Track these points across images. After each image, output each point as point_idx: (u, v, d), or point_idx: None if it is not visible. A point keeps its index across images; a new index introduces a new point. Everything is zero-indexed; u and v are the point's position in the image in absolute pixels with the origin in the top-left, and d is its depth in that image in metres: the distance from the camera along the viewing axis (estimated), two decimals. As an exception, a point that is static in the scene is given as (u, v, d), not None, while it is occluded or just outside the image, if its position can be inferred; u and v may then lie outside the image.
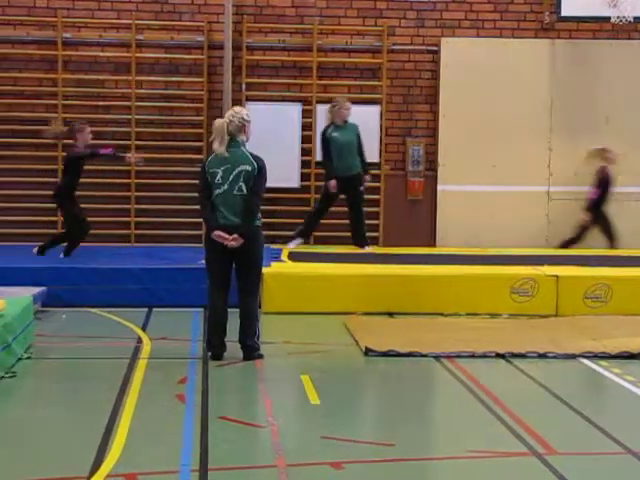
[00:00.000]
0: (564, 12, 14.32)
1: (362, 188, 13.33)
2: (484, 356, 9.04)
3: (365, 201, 13.54)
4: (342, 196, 13.28)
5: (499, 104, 14.53)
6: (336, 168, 13.11)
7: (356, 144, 13.24)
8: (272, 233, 13.25)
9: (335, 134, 13.17)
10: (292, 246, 13.26)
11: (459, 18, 14.69)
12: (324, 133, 13.26)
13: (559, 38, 14.70)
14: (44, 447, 6.26)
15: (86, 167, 13.36)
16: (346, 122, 13.24)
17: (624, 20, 13.97)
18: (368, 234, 14.11)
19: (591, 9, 14.11)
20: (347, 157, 13.15)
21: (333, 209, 13.76)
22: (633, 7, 13.90)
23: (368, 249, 13.29)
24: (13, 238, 13.98)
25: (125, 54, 14.36)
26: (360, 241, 13.37)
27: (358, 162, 13.27)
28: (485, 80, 14.51)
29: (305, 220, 13.59)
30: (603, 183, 13.89)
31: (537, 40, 14.67)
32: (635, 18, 14.05)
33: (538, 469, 5.98)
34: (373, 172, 14.55)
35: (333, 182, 13.07)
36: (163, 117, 14.47)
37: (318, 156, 14.41)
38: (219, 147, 8.60)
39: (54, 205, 12.77)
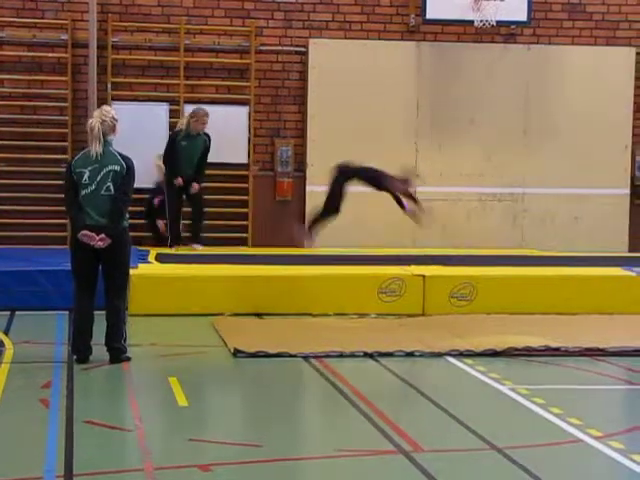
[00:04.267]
0: (429, 15, 14.53)
1: (192, 191, 13.33)
2: (352, 355, 9.10)
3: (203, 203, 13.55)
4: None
5: (367, 105, 14.66)
6: (175, 171, 13.16)
7: (199, 156, 13.25)
8: (140, 234, 13.10)
9: (184, 143, 13.18)
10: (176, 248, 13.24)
11: (326, 19, 14.78)
12: (174, 139, 13.23)
13: (425, 40, 14.93)
14: None
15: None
16: (199, 134, 13.27)
17: (487, 23, 14.27)
18: (237, 234, 14.15)
19: (455, 12, 14.37)
20: (187, 166, 13.22)
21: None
22: (495, 11, 14.22)
23: (199, 248, 13.29)
24: None
25: (-14, 51, 14.02)
26: (195, 239, 13.37)
27: (195, 170, 13.32)
28: (353, 81, 14.63)
29: (168, 229, 13.41)
30: None
31: (403, 42, 14.86)
32: (497, 22, 14.37)
33: (405, 467, 6.04)
34: (241, 173, 14.55)
35: (179, 179, 13.10)
36: (26, 116, 14.17)
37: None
38: (98, 148, 8.46)
39: None
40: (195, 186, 13.32)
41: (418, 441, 6.48)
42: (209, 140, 13.30)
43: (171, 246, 13.24)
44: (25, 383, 7.92)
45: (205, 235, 13.89)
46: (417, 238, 14.79)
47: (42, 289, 11.00)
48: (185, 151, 13.18)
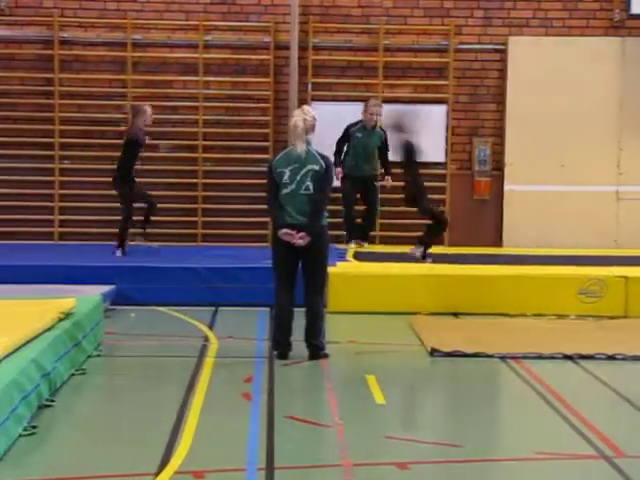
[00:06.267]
0: (634, 9, 14.14)
1: (377, 184, 13.26)
2: (551, 357, 8.97)
3: (379, 202, 13.49)
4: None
5: (568, 103, 14.40)
6: (349, 166, 13.05)
7: (377, 150, 13.12)
8: (338, 233, 13.26)
9: (358, 134, 13.11)
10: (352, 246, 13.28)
11: (527, 17, 14.60)
12: (348, 128, 13.13)
13: (630, 36, 14.53)
14: (113, 443, 6.33)
15: (152, 167, 13.52)
16: (374, 127, 13.09)
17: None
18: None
19: (662, 6, 13.95)
20: (363, 160, 13.08)
21: (394, 209, 13.85)
22: None
23: (366, 245, 13.26)
24: (84, 237, 14.18)
25: (193, 55, 14.49)
26: (362, 237, 13.31)
27: (374, 167, 13.18)
28: (554, 79, 14.39)
29: (345, 228, 13.43)
30: None
31: (607, 38, 14.51)
32: None
33: (606, 472, 5.92)
34: (439, 171, 14.55)
35: (338, 169, 12.66)
36: (230, 117, 14.57)
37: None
38: (302, 147, 8.61)
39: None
40: (388, 179, 13.31)
41: (620, 446, 6.34)
42: (385, 135, 13.00)
43: (348, 242, 13.30)
44: (228, 377, 8.16)
45: (402, 234, 13.98)
46: (619, 238, 14.46)
47: (245, 285, 11.31)
48: (359, 144, 13.06)
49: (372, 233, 14.32)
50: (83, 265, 11.51)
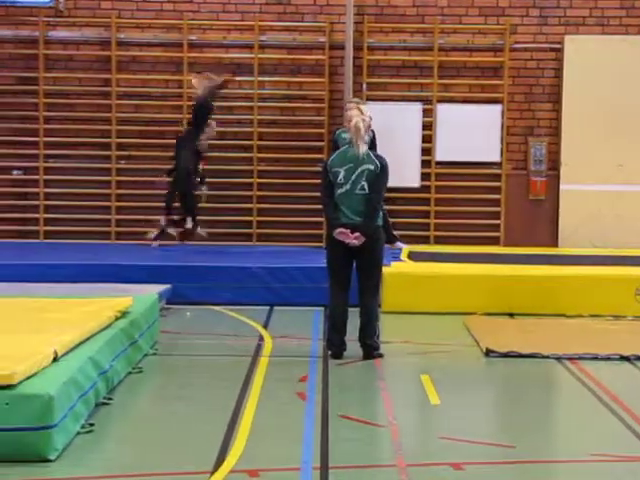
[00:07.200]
0: (693, 8, 13.99)
1: None
2: (608, 358, 8.90)
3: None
4: None
5: (625, 102, 14.27)
6: None
7: None
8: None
9: (344, 135, 12.83)
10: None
11: (583, 15, 14.49)
12: (335, 131, 12.95)
13: (688, 35, 14.38)
14: (169, 442, 6.39)
15: (207, 167, 13.64)
16: None
17: None
18: (490, 233, 14.08)
19: None
20: None
21: (450, 209, 13.81)
22: None
23: (400, 245, 13.14)
24: (140, 236, 14.29)
25: (248, 55, 14.56)
26: (389, 239, 13.17)
27: None
28: (610, 78, 14.27)
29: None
30: None
31: (665, 37, 14.37)
32: None
33: (663, 475, 5.88)
34: (494, 171, 14.49)
35: None
36: (285, 117, 14.62)
37: (438, 156, 14.41)
38: (362, 147, 8.59)
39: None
40: None
41: (677, 449, 6.29)
42: (373, 134, 12.10)
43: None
44: (283, 376, 8.18)
45: (457, 234, 13.96)
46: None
47: (300, 285, 11.35)
48: (344, 142, 12.70)
49: (426, 233, 14.30)
50: (139, 264, 11.61)
